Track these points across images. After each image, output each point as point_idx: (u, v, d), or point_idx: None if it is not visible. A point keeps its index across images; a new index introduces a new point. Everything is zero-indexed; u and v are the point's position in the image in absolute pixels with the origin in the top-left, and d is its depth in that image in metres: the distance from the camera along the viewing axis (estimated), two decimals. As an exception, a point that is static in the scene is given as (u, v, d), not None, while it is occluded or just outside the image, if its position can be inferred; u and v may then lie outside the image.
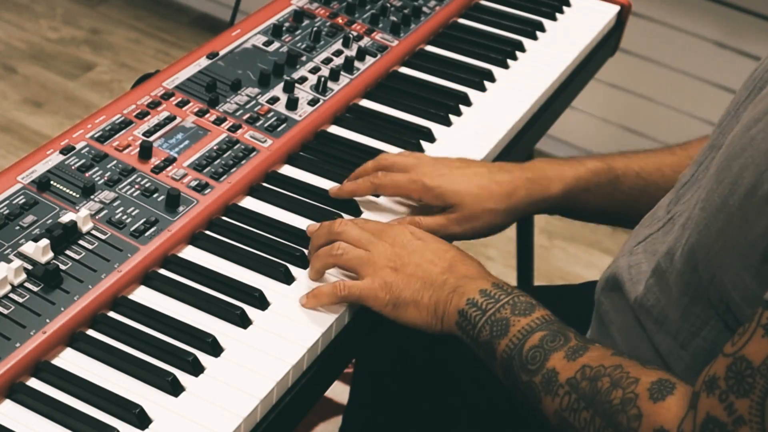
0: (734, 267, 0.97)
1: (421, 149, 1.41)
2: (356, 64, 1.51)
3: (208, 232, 1.21)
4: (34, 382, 1.01)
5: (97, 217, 1.16)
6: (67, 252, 1.11)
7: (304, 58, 1.50)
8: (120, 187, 1.21)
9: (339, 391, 2.08)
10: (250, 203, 1.27)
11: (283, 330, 1.10)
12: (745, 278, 0.96)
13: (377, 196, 1.30)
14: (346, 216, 1.26)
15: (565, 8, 1.79)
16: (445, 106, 1.49)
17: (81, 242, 1.13)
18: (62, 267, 1.09)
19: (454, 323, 1.10)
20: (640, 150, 1.40)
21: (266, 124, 1.36)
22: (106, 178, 1.21)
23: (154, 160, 1.26)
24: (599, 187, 1.33)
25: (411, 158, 1.29)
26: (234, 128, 1.34)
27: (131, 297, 1.12)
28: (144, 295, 1.12)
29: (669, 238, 1.10)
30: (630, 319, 1.13)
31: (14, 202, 1.16)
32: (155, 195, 1.21)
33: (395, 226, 1.18)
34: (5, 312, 1.04)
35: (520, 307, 1.07)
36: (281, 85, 1.44)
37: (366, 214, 1.28)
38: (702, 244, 1.02)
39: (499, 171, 1.30)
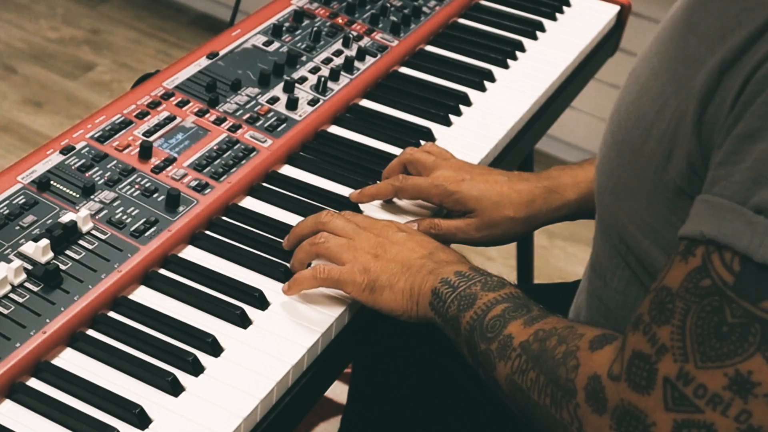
0: (629, 201, 1.00)
1: (421, 149, 1.41)
2: (356, 64, 1.51)
3: (208, 232, 1.21)
4: (34, 382, 1.01)
5: (97, 217, 1.16)
6: (67, 252, 1.11)
7: (304, 58, 1.50)
8: (120, 187, 1.21)
9: (339, 391, 2.08)
10: (250, 203, 1.27)
11: (283, 330, 1.10)
12: (638, 210, 0.98)
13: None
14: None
15: (565, 8, 1.80)
16: (445, 106, 1.49)
17: (81, 242, 1.13)
18: (62, 267, 1.09)
19: (427, 304, 1.10)
20: None
21: (266, 124, 1.36)
22: (106, 178, 1.21)
23: (154, 160, 1.26)
24: None
25: (434, 158, 1.30)
26: (234, 128, 1.34)
27: (131, 297, 1.12)
28: (144, 295, 1.12)
29: None
30: (595, 299, 1.14)
31: (14, 202, 1.16)
32: (155, 195, 1.21)
33: (383, 221, 1.19)
34: (5, 312, 1.04)
35: (490, 283, 1.07)
36: (281, 85, 1.44)
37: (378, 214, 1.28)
38: (600, 184, 1.06)
39: (518, 180, 1.31)
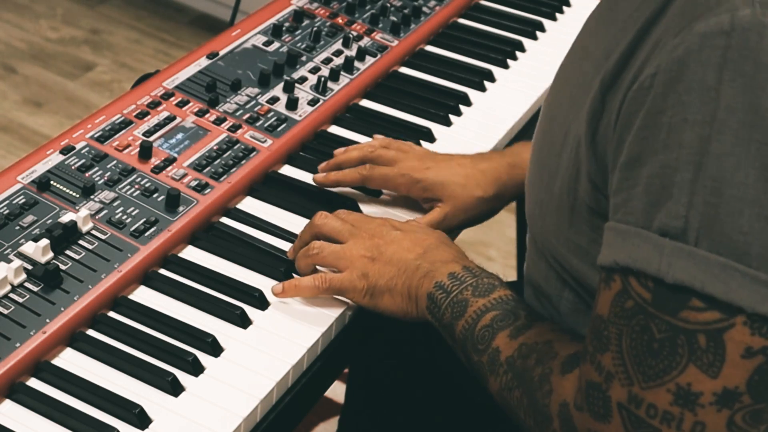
0: (553, 223, 1.02)
1: (421, 149, 1.41)
2: (356, 64, 1.51)
3: (208, 232, 1.21)
4: (34, 382, 1.01)
5: (97, 217, 1.16)
6: (67, 252, 1.11)
7: (304, 58, 1.50)
8: (120, 187, 1.21)
9: (339, 391, 2.08)
10: (250, 203, 1.27)
11: (283, 330, 1.10)
12: (563, 231, 1.00)
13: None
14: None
15: (565, 8, 1.80)
16: (445, 106, 1.49)
17: (81, 242, 1.13)
18: (62, 267, 1.09)
19: (425, 308, 1.11)
20: None
21: (266, 124, 1.36)
22: (106, 178, 1.21)
23: (154, 160, 1.26)
24: None
25: (397, 152, 1.30)
26: (234, 128, 1.34)
27: (131, 297, 1.12)
28: (144, 295, 1.12)
29: None
30: (534, 302, 1.15)
31: (14, 202, 1.16)
32: (155, 195, 1.21)
33: (378, 219, 1.19)
34: (5, 312, 1.04)
35: (481, 288, 1.08)
36: (281, 85, 1.44)
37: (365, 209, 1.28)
38: (529, 210, 1.08)
39: (481, 160, 1.32)
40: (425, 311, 1.11)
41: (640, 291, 0.84)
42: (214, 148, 1.30)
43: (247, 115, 1.37)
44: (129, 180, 1.22)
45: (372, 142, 1.32)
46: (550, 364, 0.96)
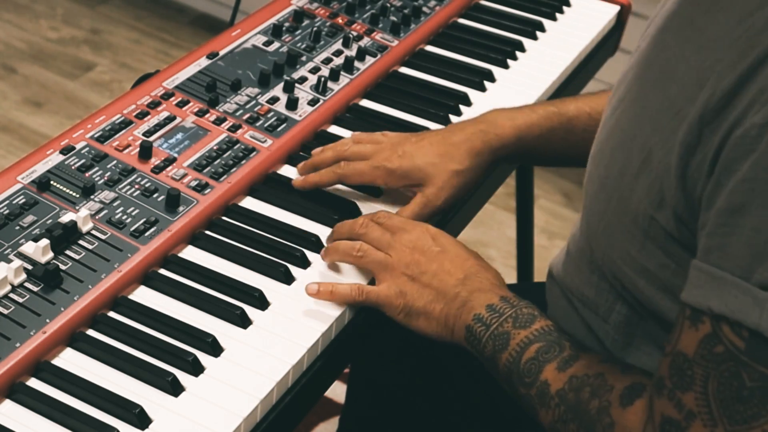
0: (620, 244, 1.00)
1: (421, 149, 1.40)
2: (356, 64, 1.51)
3: (208, 232, 1.21)
4: (34, 382, 1.01)
5: (97, 217, 1.16)
6: (67, 252, 1.11)
7: (304, 58, 1.50)
8: (120, 187, 1.21)
9: (339, 391, 2.08)
10: (250, 203, 1.27)
11: (283, 330, 1.10)
12: (631, 253, 0.99)
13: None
14: (345, 217, 1.26)
15: (565, 8, 1.80)
16: (445, 106, 1.49)
17: (81, 242, 1.13)
18: (62, 267, 1.09)
19: (463, 338, 1.11)
20: (592, 92, 1.41)
21: (266, 124, 1.36)
22: (106, 178, 1.21)
23: (154, 160, 1.26)
24: (553, 132, 1.33)
25: (371, 144, 1.29)
26: (234, 128, 1.34)
27: (131, 297, 1.12)
28: (144, 295, 1.12)
29: (578, 218, 1.15)
30: (565, 302, 1.15)
31: (14, 202, 1.16)
32: (155, 195, 1.21)
33: (417, 227, 1.18)
34: (5, 312, 1.04)
35: (521, 319, 1.07)
36: (281, 85, 1.44)
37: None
38: (590, 225, 1.06)
39: (453, 132, 1.30)
40: (463, 341, 1.11)
41: (733, 339, 0.83)
42: (214, 148, 1.30)
43: (247, 115, 1.37)
44: (129, 180, 1.22)
45: (345, 140, 1.32)
46: (607, 397, 0.96)
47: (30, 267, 1.08)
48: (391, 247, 1.16)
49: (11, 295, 1.06)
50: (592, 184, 1.06)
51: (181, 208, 1.20)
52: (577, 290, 1.12)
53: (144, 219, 1.17)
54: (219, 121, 1.35)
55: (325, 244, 1.21)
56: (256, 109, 1.38)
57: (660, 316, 1.00)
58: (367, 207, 1.29)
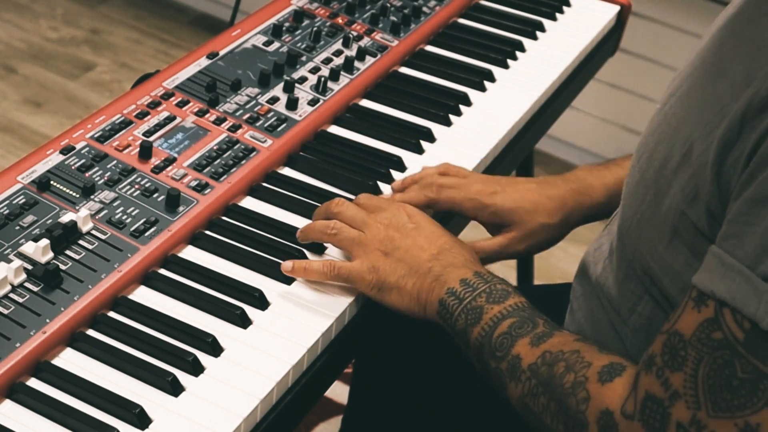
0: (651, 238, 1.01)
1: (421, 149, 1.41)
2: (356, 64, 1.51)
3: (208, 232, 1.21)
4: (34, 382, 1.01)
5: (97, 217, 1.16)
6: (67, 252, 1.11)
7: (304, 58, 1.50)
8: (120, 187, 1.21)
9: (339, 391, 2.08)
10: (250, 203, 1.27)
11: (283, 330, 1.10)
12: (659, 249, 0.99)
13: None
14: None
15: (565, 8, 1.79)
16: (445, 106, 1.49)
17: (81, 242, 1.13)
18: (62, 267, 1.09)
19: (435, 312, 1.11)
20: None
21: (266, 124, 1.36)
22: (106, 178, 1.21)
23: (154, 160, 1.26)
24: None
25: (458, 178, 1.30)
26: (234, 128, 1.34)
27: (131, 297, 1.12)
28: (144, 295, 1.12)
29: (617, 217, 1.14)
30: (594, 302, 1.15)
31: (14, 202, 1.16)
32: (155, 195, 1.21)
33: (392, 205, 1.19)
34: (5, 312, 1.04)
35: (495, 294, 1.08)
36: (281, 85, 1.43)
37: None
38: (625, 219, 1.06)
39: (547, 186, 1.32)
40: (435, 315, 1.11)
41: (733, 327, 0.83)
42: (214, 148, 1.30)
43: (247, 115, 1.37)
44: (129, 180, 1.22)
45: (428, 170, 1.32)
46: (584, 372, 0.96)
47: (30, 267, 1.08)
48: (366, 225, 1.17)
49: (11, 295, 1.06)
50: (632, 177, 1.06)
51: (181, 208, 1.20)
52: (608, 290, 1.12)
53: (144, 219, 1.17)
54: (219, 121, 1.34)
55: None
56: (256, 109, 1.38)
57: None
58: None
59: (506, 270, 2.49)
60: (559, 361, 0.99)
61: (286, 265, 1.15)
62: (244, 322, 1.10)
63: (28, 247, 1.10)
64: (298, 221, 1.25)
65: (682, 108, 1.00)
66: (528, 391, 1.00)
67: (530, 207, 1.28)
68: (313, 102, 1.42)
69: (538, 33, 1.71)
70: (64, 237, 1.12)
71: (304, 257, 1.19)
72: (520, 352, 1.02)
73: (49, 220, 1.14)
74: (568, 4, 1.81)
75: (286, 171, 1.33)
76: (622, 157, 1.38)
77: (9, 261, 1.08)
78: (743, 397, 0.83)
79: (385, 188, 1.32)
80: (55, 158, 1.23)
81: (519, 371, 1.02)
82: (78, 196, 1.18)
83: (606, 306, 1.13)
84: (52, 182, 1.19)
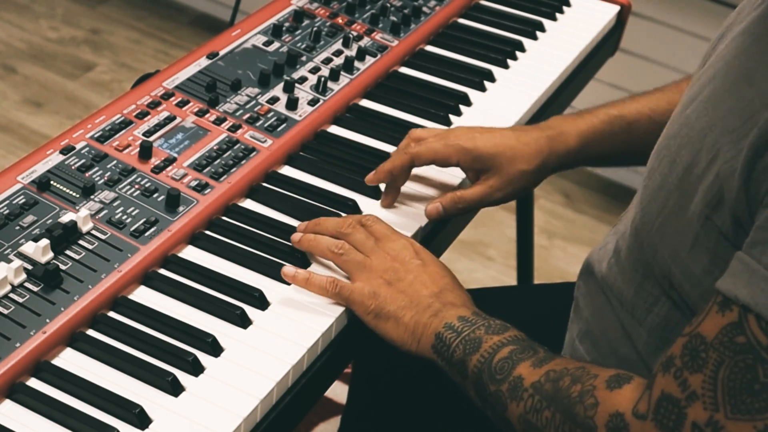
0: (672, 243, 1.00)
1: (421, 149, 1.41)
2: (356, 64, 1.51)
3: (208, 232, 1.21)
4: (34, 382, 1.01)
5: (97, 217, 1.16)
6: (67, 252, 1.11)
7: (304, 58, 1.50)
8: (120, 187, 1.21)
9: (339, 391, 2.08)
10: (250, 203, 1.28)
11: (283, 330, 1.10)
12: (681, 254, 0.99)
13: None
14: (344, 215, 1.26)
15: (565, 8, 1.80)
16: (445, 106, 1.49)
17: (81, 242, 1.13)
18: (62, 267, 1.09)
19: (430, 346, 1.11)
20: (651, 90, 1.42)
21: (266, 124, 1.36)
22: (106, 178, 1.22)
23: (154, 160, 1.26)
24: (614, 135, 1.35)
25: (435, 130, 1.31)
26: (234, 128, 1.34)
27: (131, 297, 1.12)
28: (144, 295, 1.12)
29: (627, 216, 1.14)
30: (601, 300, 1.15)
31: (14, 202, 1.16)
32: (155, 195, 1.21)
33: (402, 239, 1.19)
34: (5, 312, 1.04)
35: (494, 327, 1.08)
36: (281, 85, 1.44)
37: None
38: (645, 222, 1.05)
39: (522, 133, 1.32)
40: (429, 350, 1.11)
41: (756, 332, 0.83)
42: (214, 148, 1.30)
43: (247, 115, 1.37)
44: (129, 180, 1.22)
45: (406, 139, 1.33)
46: (591, 382, 0.96)
47: (30, 267, 1.08)
48: (373, 252, 1.17)
49: (11, 295, 1.06)
50: (653, 180, 1.05)
51: (181, 208, 1.20)
52: (618, 289, 1.12)
53: (144, 219, 1.17)
54: (219, 121, 1.35)
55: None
56: (256, 109, 1.38)
57: None
58: (367, 206, 1.29)
59: (506, 270, 2.50)
60: (564, 376, 0.99)
61: (288, 271, 1.15)
62: (244, 322, 1.10)
63: (28, 247, 1.10)
64: (298, 221, 1.25)
65: (707, 113, 0.99)
66: (530, 408, 1.00)
67: (510, 153, 1.28)
68: (313, 102, 1.42)
69: (538, 33, 1.71)
70: (64, 237, 1.12)
71: (305, 258, 1.19)
72: (522, 373, 1.02)
73: (49, 220, 1.14)
74: (568, 4, 1.81)
75: (287, 171, 1.33)
76: (598, 106, 1.39)
77: (9, 261, 1.08)
78: (764, 401, 0.83)
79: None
80: (55, 158, 1.23)
81: (521, 390, 1.01)
82: (78, 196, 1.18)
83: (615, 305, 1.13)
84: (52, 182, 1.19)
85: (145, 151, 1.26)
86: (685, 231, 0.99)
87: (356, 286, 1.14)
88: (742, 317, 0.84)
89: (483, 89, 1.56)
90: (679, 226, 0.99)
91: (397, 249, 1.17)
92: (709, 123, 0.97)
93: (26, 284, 1.07)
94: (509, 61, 1.63)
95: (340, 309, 1.14)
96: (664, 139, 1.06)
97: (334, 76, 1.47)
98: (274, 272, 1.16)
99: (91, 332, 1.07)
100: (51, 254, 1.10)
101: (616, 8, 1.81)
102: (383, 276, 1.15)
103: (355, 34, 1.57)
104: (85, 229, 1.14)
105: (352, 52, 1.53)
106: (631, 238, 1.09)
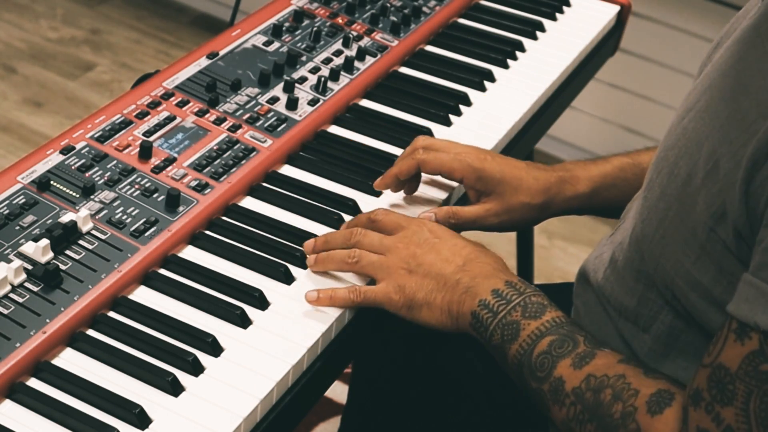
0: (675, 254, 0.99)
1: (421, 149, 1.41)
2: (356, 64, 1.51)
3: (208, 232, 1.21)
4: (34, 382, 1.01)
5: (97, 217, 1.16)
6: (67, 252, 1.11)
7: (304, 58, 1.50)
8: (120, 187, 1.21)
9: (339, 391, 2.08)
10: (250, 203, 1.27)
11: (283, 330, 1.10)
12: (685, 264, 0.98)
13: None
14: (346, 216, 1.26)
15: (565, 8, 1.80)
16: (445, 106, 1.49)
17: (81, 242, 1.13)
18: (62, 267, 1.09)
19: (468, 324, 1.10)
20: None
21: (266, 124, 1.36)
22: (106, 178, 1.21)
23: (154, 160, 1.26)
24: (626, 182, 1.34)
25: (447, 142, 1.30)
26: (234, 128, 1.34)
27: (131, 297, 1.12)
28: (144, 295, 1.12)
29: (623, 227, 1.14)
30: (598, 308, 1.15)
31: (14, 202, 1.16)
32: (155, 195, 1.21)
33: (413, 222, 1.17)
34: (5, 312, 1.04)
35: (531, 308, 1.06)
36: (281, 85, 1.44)
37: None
38: (645, 233, 1.04)
39: (534, 168, 1.31)
40: (468, 327, 1.10)
41: None
42: (214, 148, 1.30)
43: (247, 115, 1.37)
44: (129, 180, 1.22)
45: (414, 142, 1.31)
46: (632, 402, 0.95)
47: (30, 267, 1.08)
48: (387, 248, 1.15)
49: (11, 295, 1.06)
50: (652, 192, 1.04)
51: (181, 208, 1.20)
52: (615, 299, 1.11)
53: (144, 219, 1.17)
54: (219, 121, 1.35)
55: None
56: (256, 109, 1.38)
57: (707, 330, 0.99)
58: (366, 206, 1.29)
59: (506, 270, 2.50)
60: (605, 387, 0.98)
61: (311, 295, 1.13)
62: (244, 322, 1.10)
63: (28, 247, 1.10)
64: (298, 221, 1.25)
65: (704, 123, 0.98)
66: (573, 416, 0.99)
67: (515, 183, 1.27)
68: (313, 102, 1.42)
69: (538, 33, 1.71)
70: (64, 237, 1.12)
71: (305, 257, 1.19)
72: (562, 374, 1.01)
73: (49, 220, 1.14)
74: (568, 4, 1.81)
75: (287, 171, 1.33)
76: (613, 154, 1.38)
77: (9, 261, 1.08)
78: None
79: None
80: (55, 158, 1.23)
81: (562, 395, 1.00)
82: (78, 196, 1.18)
83: (612, 314, 1.12)
84: (52, 182, 1.19)
85: (145, 151, 1.26)
86: (688, 242, 0.97)
87: (380, 286, 1.13)
88: (764, 344, 0.83)
89: (483, 89, 1.56)
90: (681, 238, 0.98)
91: (410, 234, 1.16)
92: (706, 133, 0.97)
93: (26, 284, 1.07)
94: (509, 61, 1.63)
95: (340, 309, 1.14)
96: (662, 151, 1.05)
97: (334, 76, 1.47)
98: (274, 272, 1.16)
99: (91, 332, 1.07)
100: (51, 254, 1.10)
101: (616, 8, 1.81)
102: (403, 266, 1.13)
103: (355, 34, 1.57)
104: (85, 229, 1.14)
105: (352, 52, 1.53)
106: (631, 250, 1.08)
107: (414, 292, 1.12)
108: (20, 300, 1.05)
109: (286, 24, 1.56)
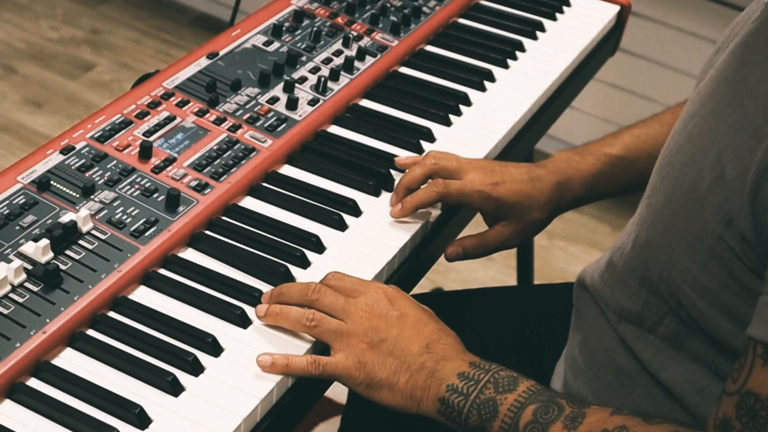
0: (682, 261, 0.99)
1: (421, 149, 1.41)
2: (356, 64, 1.51)
3: (208, 232, 1.21)
4: (34, 382, 1.01)
5: (97, 217, 1.16)
6: (67, 252, 1.11)
7: (304, 58, 1.50)
8: (120, 187, 1.21)
9: (339, 391, 2.07)
10: (250, 203, 1.27)
11: (284, 329, 1.10)
12: (693, 271, 0.98)
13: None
14: (345, 216, 1.26)
15: (565, 8, 1.80)
16: (445, 106, 1.49)
17: (81, 242, 1.13)
18: (62, 267, 1.09)
19: (435, 411, 1.06)
20: (649, 119, 1.41)
21: (266, 124, 1.36)
22: (106, 178, 1.21)
23: (154, 160, 1.26)
24: (615, 176, 1.38)
25: (455, 162, 1.31)
26: (234, 128, 1.34)
27: (131, 297, 1.12)
28: (144, 295, 1.12)
29: (623, 232, 1.14)
30: (596, 312, 1.15)
31: (14, 202, 1.16)
32: (155, 195, 1.21)
33: (371, 287, 1.12)
34: (5, 312, 1.04)
35: (503, 383, 1.03)
36: (281, 85, 1.44)
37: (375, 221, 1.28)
38: (650, 240, 1.04)
39: (537, 180, 1.33)
40: (434, 413, 1.06)
41: None
42: (214, 148, 1.30)
43: (247, 115, 1.37)
44: (129, 180, 1.22)
45: (428, 155, 1.31)
46: None
47: (30, 267, 1.08)
48: (346, 313, 1.08)
49: (11, 295, 1.06)
50: (657, 199, 1.03)
51: (181, 208, 1.20)
52: (616, 303, 1.10)
53: (144, 219, 1.17)
54: (219, 121, 1.35)
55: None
56: (256, 109, 1.38)
57: (713, 336, 0.98)
58: (367, 205, 1.29)
59: (506, 270, 2.50)
60: None
61: (264, 360, 1.05)
62: (244, 322, 1.10)
63: (28, 247, 1.10)
64: (298, 221, 1.25)
65: (709, 128, 0.97)
66: None
67: (527, 203, 1.31)
68: (313, 102, 1.42)
69: (538, 33, 1.71)
70: (64, 237, 1.12)
71: (304, 257, 1.19)
72: None
73: (49, 220, 1.14)
74: (568, 4, 1.81)
75: (287, 171, 1.33)
76: (598, 142, 1.41)
77: (9, 261, 1.08)
78: None
79: (385, 190, 1.32)
80: (55, 158, 1.23)
81: None
82: (78, 196, 1.18)
83: (610, 317, 1.11)
84: (52, 182, 1.19)
85: (145, 151, 1.26)
86: (695, 249, 0.96)
87: (339, 359, 1.07)
88: None
89: (483, 89, 1.56)
90: (688, 244, 0.97)
91: (371, 303, 1.09)
92: (712, 138, 0.96)
93: (26, 284, 1.07)
94: (509, 61, 1.63)
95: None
96: (666, 157, 1.04)
97: (334, 76, 1.47)
98: (274, 272, 1.16)
99: (91, 332, 1.07)
100: (51, 254, 1.10)
101: (616, 8, 1.81)
102: (364, 339, 1.07)
103: (355, 34, 1.57)
104: (85, 229, 1.14)
105: (352, 52, 1.53)
106: (634, 256, 1.07)
107: (375, 371, 1.06)
108: (20, 300, 1.05)
109: (286, 24, 1.56)
